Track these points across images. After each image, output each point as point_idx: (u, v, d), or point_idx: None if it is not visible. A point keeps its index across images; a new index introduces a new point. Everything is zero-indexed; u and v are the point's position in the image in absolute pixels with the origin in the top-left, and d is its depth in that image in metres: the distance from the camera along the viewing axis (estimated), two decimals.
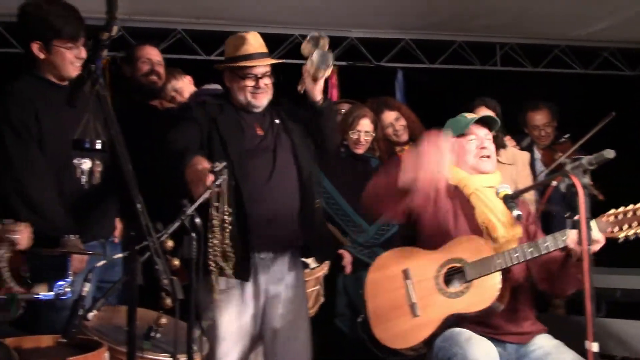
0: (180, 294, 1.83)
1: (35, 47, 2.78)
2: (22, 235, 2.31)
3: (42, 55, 2.79)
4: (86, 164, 1.86)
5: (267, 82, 2.98)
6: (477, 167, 2.78)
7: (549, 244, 2.47)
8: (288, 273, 2.94)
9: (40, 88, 2.79)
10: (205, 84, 3.86)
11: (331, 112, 3.18)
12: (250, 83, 2.93)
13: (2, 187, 2.64)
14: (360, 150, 3.93)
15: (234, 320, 2.82)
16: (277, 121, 3.04)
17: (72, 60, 2.79)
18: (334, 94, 5.35)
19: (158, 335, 2.32)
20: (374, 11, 5.08)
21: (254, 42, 2.98)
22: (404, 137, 4.08)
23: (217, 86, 3.66)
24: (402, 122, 4.09)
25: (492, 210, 2.65)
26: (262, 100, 2.97)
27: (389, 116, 4.12)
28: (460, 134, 2.80)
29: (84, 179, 1.87)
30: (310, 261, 3.28)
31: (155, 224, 1.87)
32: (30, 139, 2.65)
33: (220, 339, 2.79)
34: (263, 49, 3.02)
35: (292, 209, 2.91)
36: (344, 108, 4.19)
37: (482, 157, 2.78)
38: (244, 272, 2.76)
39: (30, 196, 2.60)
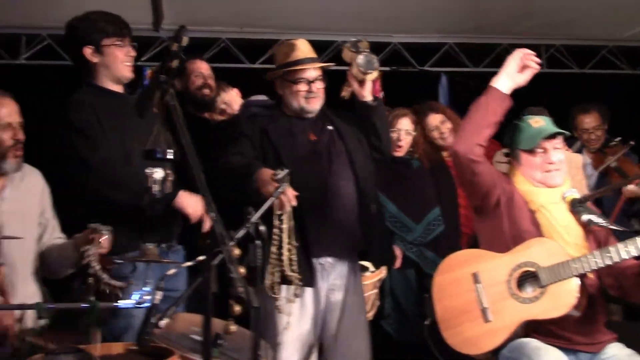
0: (255, 301, 1.84)
1: (87, 53, 2.89)
2: (107, 238, 2.40)
3: (95, 59, 2.89)
4: (158, 173, 1.89)
5: (319, 86, 3.02)
6: (544, 181, 2.69)
7: (630, 249, 2.40)
8: (348, 279, 2.94)
9: (99, 97, 2.87)
10: (252, 95, 3.90)
11: (383, 110, 3.18)
12: (302, 88, 2.96)
13: (85, 189, 2.71)
14: (399, 152, 3.94)
15: (294, 327, 2.83)
16: (330, 127, 3.05)
17: (122, 59, 2.90)
18: None
19: (226, 343, 2.33)
20: (417, 16, 5.07)
21: (304, 48, 3.03)
22: (450, 141, 4.02)
23: (264, 97, 3.70)
24: (448, 124, 4.06)
25: (557, 231, 2.59)
26: (315, 104, 3.00)
27: (435, 119, 4.10)
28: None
29: (156, 187, 1.90)
30: (369, 265, 3.28)
31: (229, 233, 1.88)
32: (97, 139, 2.74)
33: (282, 346, 2.80)
34: (313, 54, 3.08)
35: (350, 213, 2.91)
36: None
37: (550, 171, 2.67)
38: (308, 278, 2.77)
39: (114, 175, 2.70)
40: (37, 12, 4.79)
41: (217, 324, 2.50)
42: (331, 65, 3.16)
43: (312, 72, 3.00)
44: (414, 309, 3.80)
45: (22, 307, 2.03)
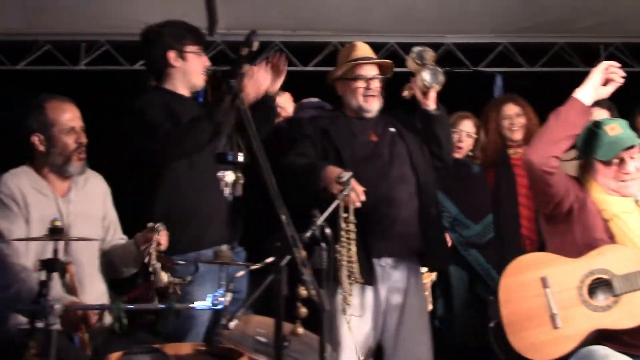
0: (327, 304, 1.84)
1: (171, 57, 2.97)
2: (164, 237, 2.46)
3: (177, 64, 2.97)
4: (229, 176, 1.91)
5: (377, 85, 3.05)
6: (619, 190, 2.63)
7: None
8: (408, 281, 2.93)
9: (169, 99, 2.94)
10: (304, 98, 3.91)
11: (446, 119, 3.17)
12: (361, 85, 3.01)
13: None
14: (459, 154, 3.91)
15: (355, 328, 2.83)
16: (392, 129, 3.05)
17: (200, 67, 3.01)
18: None
19: (292, 346, 2.34)
20: (470, 15, 5.01)
21: (363, 48, 3.14)
22: (518, 135, 3.92)
23: (316, 99, 3.73)
24: (523, 120, 3.95)
25: (631, 241, 2.52)
26: (373, 103, 3.04)
27: (511, 109, 3.99)
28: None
29: (227, 190, 1.92)
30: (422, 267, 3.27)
31: (300, 236, 1.89)
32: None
33: (342, 348, 2.81)
34: (372, 54, 3.18)
35: (409, 215, 2.91)
36: None
37: (626, 180, 2.61)
38: (368, 277, 2.78)
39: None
40: (95, 20, 4.92)
41: (285, 326, 2.52)
42: (389, 63, 3.19)
43: (370, 70, 3.07)
44: (466, 310, 3.77)
45: (102, 307, 2.08)
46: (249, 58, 1.99)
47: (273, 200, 1.87)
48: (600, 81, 2.61)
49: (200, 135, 2.72)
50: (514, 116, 3.96)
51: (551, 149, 2.54)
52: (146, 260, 2.38)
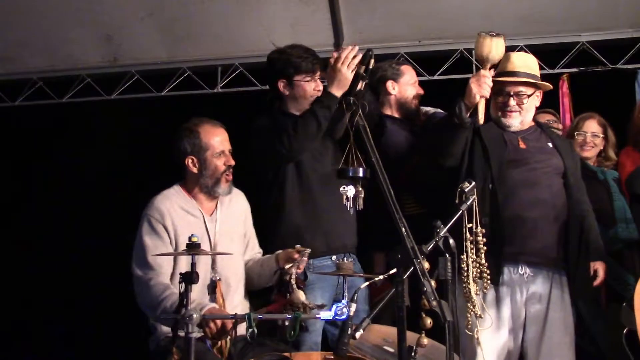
0: (449, 315, 1.85)
1: (280, 85, 3.16)
2: (304, 262, 2.58)
3: (286, 92, 3.15)
4: (351, 191, 1.98)
5: (521, 101, 3.01)
6: None
7: None
8: (551, 292, 2.85)
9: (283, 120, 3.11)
10: (431, 107, 3.90)
11: None
12: (500, 100, 2.96)
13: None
14: (586, 153, 3.77)
15: (490, 338, 2.78)
16: (550, 145, 3.02)
17: (310, 93, 3.12)
18: (566, 102, 5.08)
19: (417, 356, 2.35)
20: (606, 11, 4.76)
21: (516, 61, 3.09)
22: None
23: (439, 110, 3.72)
24: None
25: None
26: (512, 120, 2.99)
27: None
28: None
29: (349, 205, 2.00)
30: None
31: (420, 247, 1.91)
32: None
33: (477, 356, 2.77)
34: (526, 68, 3.10)
35: (553, 227, 2.83)
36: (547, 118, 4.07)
37: None
38: (496, 276, 2.75)
39: None
40: (229, 44, 5.21)
41: (410, 336, 2.54)
42: (536, 82, 3.11)
43: (514, 85, 3.03)
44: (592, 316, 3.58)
45: (235, 316, 2.22)
46: (365, 76, 2.05)
47: (392, 212, 1.90)
48: None
49: (309, 129, 2.92)
50: None
51: None
52: (288, 278, 2.49)
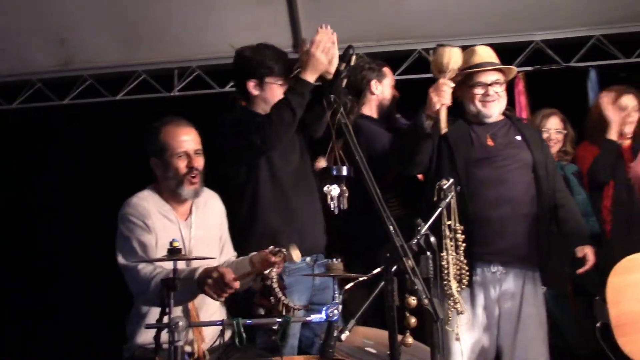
0: (441, 313, 1.84)
1: (250, 85, 3.07)
2: (282, 263, 2.50)
3: (256, 92, 3.05)
4: (335, 190, 1.95)
5: (497, 89, 3.01)
6: None
7: None
8: (524, 288, 2.87)
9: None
10: None
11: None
12: (479, 91, 2.98)
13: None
14: (551, 150, 3.84)
15: (465, 336, 2.80)
16: (519, 138, 3.02)
17: (280, 97, 3.01)
18: (522, 100, 5.17)
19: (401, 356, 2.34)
20: (559, 10, 4.87)
21: (482, 53, 3.14)
22: (629, 128, 3.89)
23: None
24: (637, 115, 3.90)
25: None
26: (492, 108, 3.01)
27: (631, 100, 3.94)
28: None
29: (333, 204, 1.97)
30: None
31: (409, 245, 1.90)
32: None
33: (454, 354, 2.78)
34: (491, 58, 3.18)
35: (524, 224, 2.86)
36: None
37: None
38: (478, 282, 2.76)
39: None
40: (186, 47, 5.12)
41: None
42: (511, 68, 3.19)
43: (489, 76, 3.07)
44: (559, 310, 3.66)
45: (222, 323, 2.16)
46: (346, 72, 2.03)
47: (379, 210, 1.88)
48: None
49: (284, 117, 2.84)
50: (630, 109, 3.87)
51: None
52: (270, 282, 2.43)
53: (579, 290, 3.71)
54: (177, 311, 2.48)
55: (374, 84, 3.67)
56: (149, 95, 5.32)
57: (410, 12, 4.89)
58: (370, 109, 3.65)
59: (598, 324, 2.68)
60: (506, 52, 5.10)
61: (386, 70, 3.80)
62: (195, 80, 5.30)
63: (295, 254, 2.35)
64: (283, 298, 2.34)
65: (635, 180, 2.51)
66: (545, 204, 2.94)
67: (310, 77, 2.85)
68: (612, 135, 3.78)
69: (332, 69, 2.80)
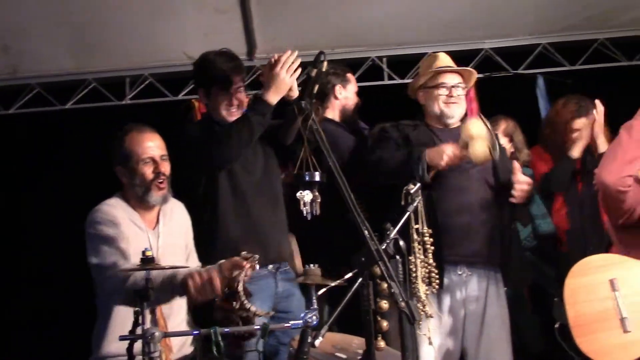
0: (418, 316, 1.85)
1: (200, 94, 3.15)
2: (251, 269, 2.47)
3: (204, 101, 3.14)
4: (307, 196, 1.95)
5: (459, 93, 3.09)
6: None
7: None
8: (487, 290, 2.92)
9: (211, 124, 3.06)
10: None
11: None
12: (443, 92, 3.03)
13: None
14: None
15: (432, 336, 2.82)
16: None
17: (224, 107, 3.05)
18: (473, 107, 5.27)
19: None
20: (507, 19, 5.02)
21: (445, 59, 3.22)
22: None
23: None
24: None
25: None
26: (455, 110, 3.06)
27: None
28: None
29: (306, 210, 1.97)
30: None
31: (388, 249, 1.91)
32: None
33: (422, 358, 2.80)
34: (453, 64, 3.25)
35: (487, 226, 2.91)
36: None
37: None
38: (445, 285, 2.79)
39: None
40: (139, 54, 5.03)
41: (360, 341, 2.53)
42: (471, 71, 3.27)
43: (452, 79, 3.14)
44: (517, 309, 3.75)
45: (200, 332, 2.12)
46: (318, 79, 2.03)
47: (354, 216, 1.89)
48: None
49: (242, 135, 2.85)
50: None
51: (626, 169, 2.53)
52: (236, 285, 2.40)
53: (536, 291, 3.83)
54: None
55: (338, 89, 3.71)
56: (99, 104, 5.20)
57: (362, 21, 4.94)
58: (333, 113, 3.69)
59: (557, 325, 2.74)
60: (457, 60, 5.18)
61: (350, 76, 3.86)
62: (148, 88, 5.22)
63: None
64: (246, 303, 2.31)
65: (599, 187, 2.58)
66: (505, 206, 3.00)
67: (273, 98, 2.83)
68: (576, 152, 3.87)
69: (294, 94, 2.81)
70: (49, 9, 4.56)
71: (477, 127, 2.87)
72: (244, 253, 2.40)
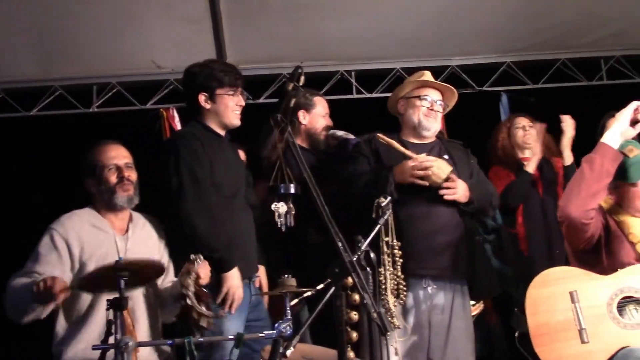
0: (390, 327, 1.89)
1: (202, 99, 3.10)
2: (205, 271, 2.54)
3: (207, 105, 3.09)
4: (282, 207, 1.98)
5: (438, 109, 3.18)
6: None
7: None
8: (453, 301, 2.96)
9: (206, 136, 3.07)
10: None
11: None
12: (425, 104, 3.10)
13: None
14: None
15: (398, 348, 2.86)
16: (446, 157, 3.13)
17: (233, 107, 3.11)
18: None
19: None
20: (473, 37, 5.13)
21: (429, 77, 3.29)
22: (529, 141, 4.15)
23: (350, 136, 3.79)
24: (534, 132, 4.17)
25: None
26: (433, 123, 3.13)
27: (522, 121, 4.25)
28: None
29: (280, 221, 1.99)
30: None
31: (359, 260, 1.94)
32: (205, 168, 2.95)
33: None
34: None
35: (452, 239, 2.96)
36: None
37: None
38: (412, 297, 2.83)
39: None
40: (106, 62, 4.99)
41: (328, 353, 2.56)
42: (452, 89, 3.33)
43: (435, 95, 3.21)
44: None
45: (174, 342, 2.12)
46: (295, 92, 2.06)
47: (328, 227, 1.92)
48: (628, 123, 2.63)
49: None
50: (526, 126, 4.20)
51: (589, 202, 2.59)
52: (183, 291, 2.43)
53: (498, 303, 3.90)
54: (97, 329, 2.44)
55: (301, 114, 3.63)
56: (65, 111, 5.15)
57: (332, 35, 4.99)
58: (299, 138, 3.59)
59: (517, 334, 2.80)
60: None
61: (317, 100, 3.74)
62: (115, 96, 5.18)
63: None
64: (195, 304, 2.34)
65: (564, 219, 2.64)
66: (471, 223, 3.06)
67: None
68: (531, 167, 3.99)
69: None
70: (14, 14, 4.50)
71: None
72: (192, 255, 2.44)
